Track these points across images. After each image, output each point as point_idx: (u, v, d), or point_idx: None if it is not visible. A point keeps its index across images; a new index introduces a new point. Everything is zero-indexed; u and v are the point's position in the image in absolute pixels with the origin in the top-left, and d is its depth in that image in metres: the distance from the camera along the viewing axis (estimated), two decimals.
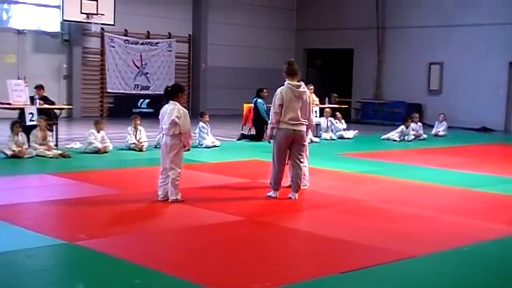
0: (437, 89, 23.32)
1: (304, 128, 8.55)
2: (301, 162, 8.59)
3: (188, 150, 9.07)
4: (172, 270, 5.34)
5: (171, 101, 8.07)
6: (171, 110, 7.98)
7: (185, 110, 8.14)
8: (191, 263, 5.62)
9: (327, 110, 17.17)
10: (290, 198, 8.47)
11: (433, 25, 23.03)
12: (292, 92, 8.40)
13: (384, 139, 17.02)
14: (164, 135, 8.13)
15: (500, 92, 21.61)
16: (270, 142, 8.67)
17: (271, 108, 8.60)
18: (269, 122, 8.66)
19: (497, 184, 10.27)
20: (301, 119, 8.44)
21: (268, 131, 8.68)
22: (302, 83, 8.64)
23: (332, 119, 17.10)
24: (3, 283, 4.98)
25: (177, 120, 7.91)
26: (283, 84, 8.50)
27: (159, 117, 8.22)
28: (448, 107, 21.44)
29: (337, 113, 17.56)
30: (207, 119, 14.36)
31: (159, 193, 8.10)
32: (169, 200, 7.99)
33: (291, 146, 8.51)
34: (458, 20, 22.45)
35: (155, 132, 12.40)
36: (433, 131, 18.94)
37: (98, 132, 12.65)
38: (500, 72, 21.65)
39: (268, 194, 8.59)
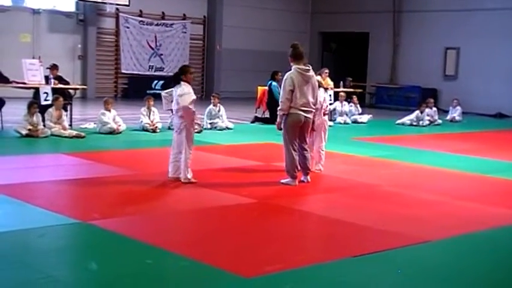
0: (453, 74, 23.11)
1: (312, 115, 8.38)
2: (305, 148, 8.40)
3: (199, 132, 9.08)
4: (183, 251, 5.35)
5: (182, 82, 8.12)
6: (180, 90, 8.05)
7: (191, 90, 8.15)
8: (203, 244, 5.64)
9: (342, 94, 17.09)
10: (303, 181, 8.41)
11: (450, 9, 22.76)
12: (301, 76, 8.20)
13: (398, 124, 16.94)
14: (174, 116, 8.19)
15: None
16: (281, 130, 8.28)
17: (281, 93, 8.24)
18: (279, 109, 8.20)
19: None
20: (311, 105, 8.27)
21: (279, 119, 8.23)
22: (310, 67, 8.37)
23: (346, 103, 17.01)
24: (16, 261, 5.01)
25: (179, 98, 7.98)
26: (291, 69, 8.28)
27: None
28: (464, 93, 21.24)
29: (354, 97, 17.47)
30: (217, 101, 14.27)
31: (169, 170, 8.15)
32: (182, 180, 8.01)
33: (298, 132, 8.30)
34: (475, 4, 22.18)
35: (168, 113, 12.38)
36: (448, 116, 18.82)
37: (109, 111, 12.66)
38: None
39: (286, 181, 8.28)
